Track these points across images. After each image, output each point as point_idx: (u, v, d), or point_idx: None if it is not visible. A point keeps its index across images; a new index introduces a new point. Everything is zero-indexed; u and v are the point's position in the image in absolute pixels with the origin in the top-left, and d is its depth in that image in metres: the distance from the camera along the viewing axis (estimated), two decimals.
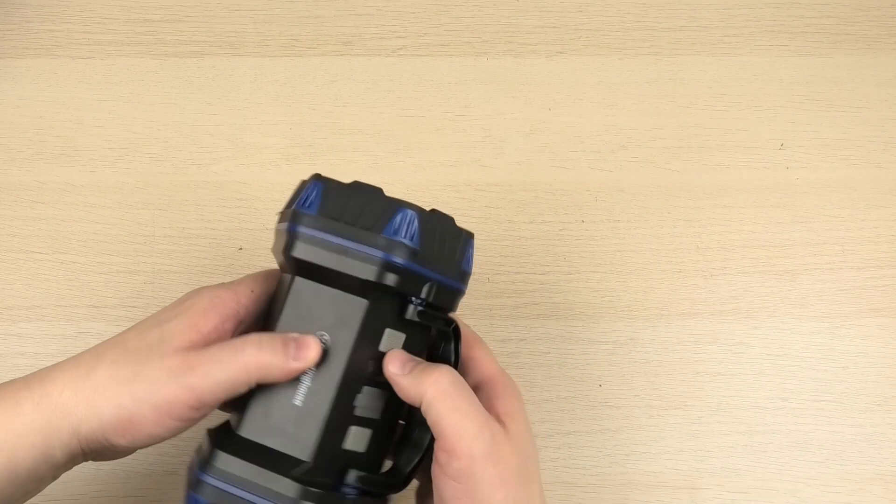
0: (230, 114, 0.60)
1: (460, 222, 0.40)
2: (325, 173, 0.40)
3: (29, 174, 0.58)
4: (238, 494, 0.36)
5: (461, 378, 0.37)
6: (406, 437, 0.40)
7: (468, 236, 0.41)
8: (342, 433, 0.38)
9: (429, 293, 0.38)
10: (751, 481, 0.53)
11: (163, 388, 0.36)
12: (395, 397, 0.39)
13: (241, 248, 0.57)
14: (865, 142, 0.60)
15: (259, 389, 0.38)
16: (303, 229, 0.38)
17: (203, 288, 0.40)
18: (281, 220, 0.40)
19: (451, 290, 0.40)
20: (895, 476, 0.53)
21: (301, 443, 0.37)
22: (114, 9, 0.62)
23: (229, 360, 0.36)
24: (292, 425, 0.37)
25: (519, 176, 0.59)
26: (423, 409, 0.37)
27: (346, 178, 0.55)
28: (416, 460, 0.40)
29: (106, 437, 0.37)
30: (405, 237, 0.37)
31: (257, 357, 0.36)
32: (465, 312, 0.55)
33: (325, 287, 0.38)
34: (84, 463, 0.40)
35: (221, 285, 0.40)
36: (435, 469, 0.37)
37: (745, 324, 0.56)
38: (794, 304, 0.56)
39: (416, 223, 0.37)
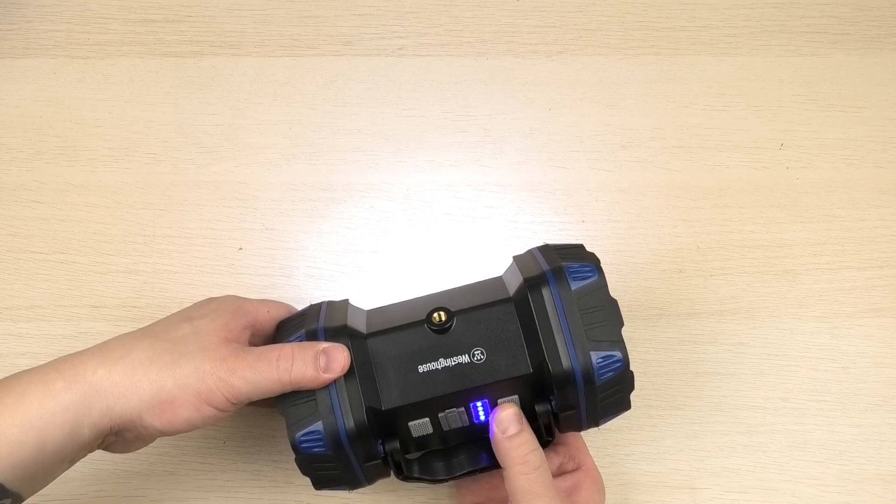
0: (230, 114, 0.60)
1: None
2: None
3: (29, 174, 0.58)
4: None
5: (547, 467, 0.42)
6: (447, 453, 0.45)
7: (626, 408, 0.44)
8: (419, 414, 0.42)
9: (563, 410, 0.42)
10: (751, 481, 0.53)
11: (206, 377, 0.39)
12: (470, 441, 0.44)
13: (241, 248, 0.57)
14: (865, 142, 0.60)
15: (409, 331, 0.43)
16: (556, 284, 0.42)
17: (226, 295, 0.45)
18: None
19: (576, 425, 0.44)
20: (895, 476, 0.53)
21: (392, 394, 0.41)
22: (114, 9, 0.62)
23: (266, 370, 0.40)
24: (399, 378, 0.42)
25: (519, 176, 0.59)
26: (504, 471, 0.41)
27: (347, 179, 0.55)
28: (424, 477, 0.44)
29: (141, 417, 0.38)
30: (604, 368, 0.41)
31: (290, 372, 0.40)
32: None
33: (523, 328, 0.42)
34: (84, 463, 0.40)
35: (240, 297, 0.45)
36: None
37: (745, 324, 0.56)
38: (794, 304, 0.56)
39: (620, 368, 0.41)
